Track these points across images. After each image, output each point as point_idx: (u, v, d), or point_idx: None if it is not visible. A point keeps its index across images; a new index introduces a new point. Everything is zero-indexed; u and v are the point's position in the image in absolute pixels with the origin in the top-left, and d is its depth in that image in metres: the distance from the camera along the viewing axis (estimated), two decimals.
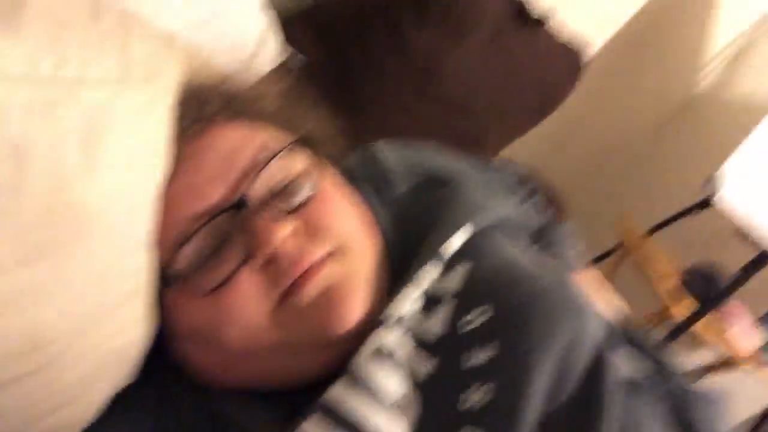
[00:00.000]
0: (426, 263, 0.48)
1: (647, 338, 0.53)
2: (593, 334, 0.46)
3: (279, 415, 0.44)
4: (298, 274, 0.43)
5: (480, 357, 0.43)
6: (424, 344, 0.45)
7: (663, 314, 1.65)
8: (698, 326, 1.58)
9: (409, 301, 0.46)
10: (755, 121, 1.52)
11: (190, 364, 0.48)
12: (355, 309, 0.44)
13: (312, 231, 0.46)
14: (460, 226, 0.51)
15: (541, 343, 0.43)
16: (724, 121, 2.00)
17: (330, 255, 0.45)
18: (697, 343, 1.83)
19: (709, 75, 2.07)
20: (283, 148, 0.48)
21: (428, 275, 0.48)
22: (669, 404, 0.47)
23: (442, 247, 0.49)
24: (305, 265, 0.44)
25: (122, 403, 0.46)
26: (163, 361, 0.48)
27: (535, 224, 0.63)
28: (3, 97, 0.33)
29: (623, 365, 0.48)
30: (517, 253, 0.53)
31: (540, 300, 0.45)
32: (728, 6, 1.81)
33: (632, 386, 0.46)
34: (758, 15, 1.92)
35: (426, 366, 0.44)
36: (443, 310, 0.46)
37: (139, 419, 0.46)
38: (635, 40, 1.76)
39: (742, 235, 1.50)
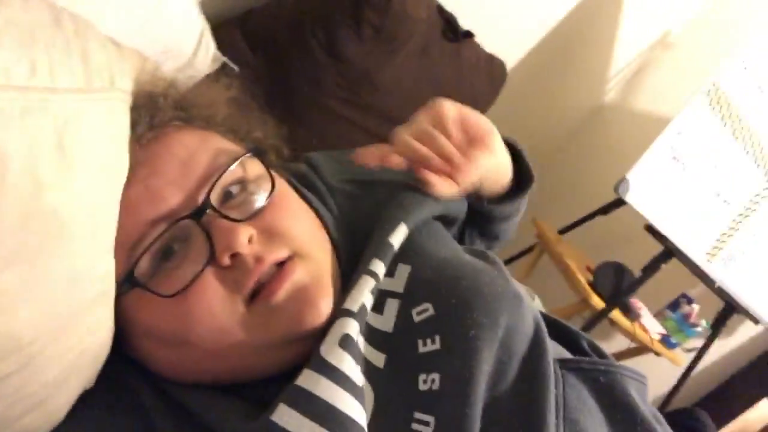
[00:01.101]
0: (375, 257, 0.51)
1: (569, 326, 0.59)
2: (530, 320, 0.50)
3: (246, 406, 0.45)
4: (260, 275, 0.45)
5: (425, 350, 0.46)
6: (373, 340, 0.48)
7: (579, 306, 1.78)
8: (613, 316, 1.71)
9: (366, 292, 0.48)
10: (656, 130, 1.66)
11: (153, 362, 0.49)
12: (325, 306, 0.47)
13: (270, 235, 0.48)
14: (400, 223, 0.54)
15: (482, 332, 0.46)
16: (628, 129, 2.17)
17: (291, 258, 0.47)
18: (610, 332, 1.98)
19: (613, 87, 2.24)
20: (239, 155, 0.50)
21: (378, 270, 0.50)
22: (599, 380, 0.51)
23: (386, 242, 0.52)
24: (266, 266, 0.46)
25: (87, 402, 0.46)
26: (119, 359, 0.48)
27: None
28: None
29: (556, 347, 0.52)
30: (456, 246, 0.57)
31: (480, 293, 0.48)
32: (630, 25, 1.96)
33: (566, 365, 0.51)
34: (657, 34, 2.10)
35: (377, 360, 0.47)
36: (390, 309, 0.49)
37: (108, 417, 0.46)
38: (547, 55, 1.88)
39: (651, 230, 1.63)
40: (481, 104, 1.26)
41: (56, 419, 0.44)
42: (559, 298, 1.84)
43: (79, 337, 0.42)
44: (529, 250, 2.06)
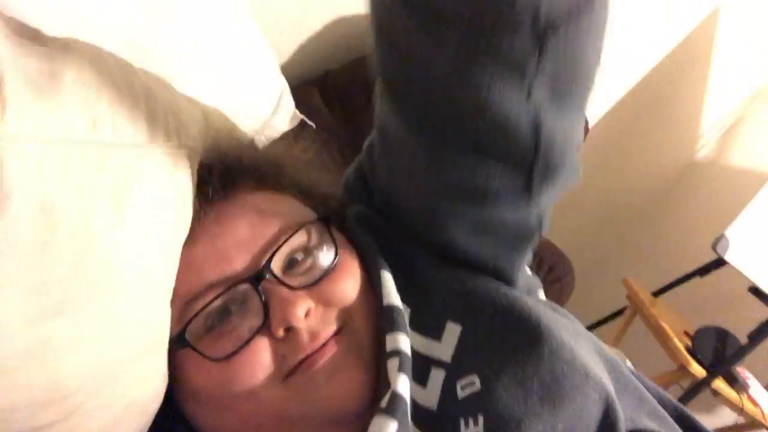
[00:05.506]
0: (393, 330, 0.46)
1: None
2: (596, 401, 0.43)
3: None
4: (312, 350, 0.44)
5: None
6: (418, 420, 0.43)
7: (676, 374, 1.63)
8: (717, 386, 1.56)
9: (395, 374, 0.43)
10: (752, 187, 1.54)
11: (197, 424, 0.48)
12: (359, 384, 0.44)
13: (328, 307, 0.46)
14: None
15: (534, 421, 0.41)
16: (725, 186, 2.03)
17: (339, 331, 0.46)
18: (714, 403, 1.79)
19: (707, 143, 2.12)
20: (306, 222, 0.49)
21: (401, 345, 0.45)
22: None
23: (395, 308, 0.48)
24: (319, 342, 0.44)
25: None
26: (172, 417, 0.48)
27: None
28: (40, 158, 0.33)
29: (633, 416, 0.46)
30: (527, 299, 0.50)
31: (536, 377, 0.43)
32: (722, 80, 1.87)
33: None
34: (750, 90, 1.99)
35: None
36: (434, 381, 0.45)
37: None
38: (635, 111, 1.81)
39: (757, 292, 1.49)
40: None
41: None
42: (652, 365, 1.70)
43: (128, 387, 0.41)
44: (620, 312, 1.93)
